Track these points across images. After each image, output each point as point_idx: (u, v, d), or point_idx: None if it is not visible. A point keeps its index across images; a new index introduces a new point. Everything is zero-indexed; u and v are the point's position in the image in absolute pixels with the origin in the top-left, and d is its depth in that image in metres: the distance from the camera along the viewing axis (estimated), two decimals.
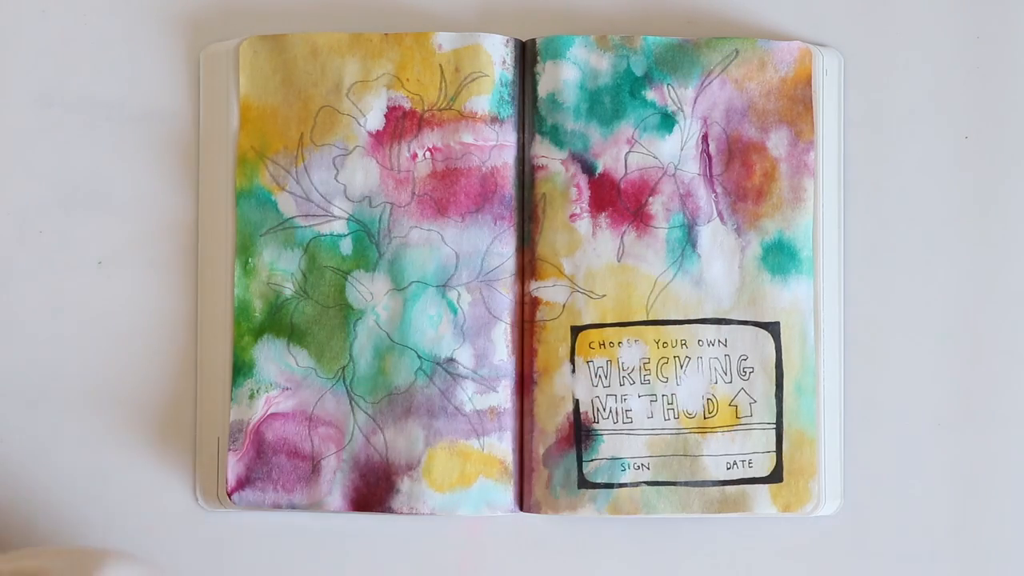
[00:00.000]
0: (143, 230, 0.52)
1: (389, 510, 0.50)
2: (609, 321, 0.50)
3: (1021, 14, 0.53)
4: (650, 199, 0.50)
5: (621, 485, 0.50)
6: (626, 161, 0.50)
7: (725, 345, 0.50)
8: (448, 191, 0.50)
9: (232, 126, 0.51)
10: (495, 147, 0.50)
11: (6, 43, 0.53)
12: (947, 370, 0.52)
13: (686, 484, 0.50)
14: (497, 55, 0.50)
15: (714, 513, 0.50)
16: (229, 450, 0.50)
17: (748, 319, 0.50)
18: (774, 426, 0.50)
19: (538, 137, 0.51)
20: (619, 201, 0.50)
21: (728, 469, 0.50)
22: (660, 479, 0.50)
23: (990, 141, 0.52)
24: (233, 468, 0.50)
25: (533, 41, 0.51)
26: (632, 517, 0.50)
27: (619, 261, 0.50)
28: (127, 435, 0.52)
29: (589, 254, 0.50)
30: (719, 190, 0.50)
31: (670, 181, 0.50)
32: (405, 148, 0.50)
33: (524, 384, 0.51)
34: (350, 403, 0.50)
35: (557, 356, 0.50)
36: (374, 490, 0.50)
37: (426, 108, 0.50)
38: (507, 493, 0.50)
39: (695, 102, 0.50)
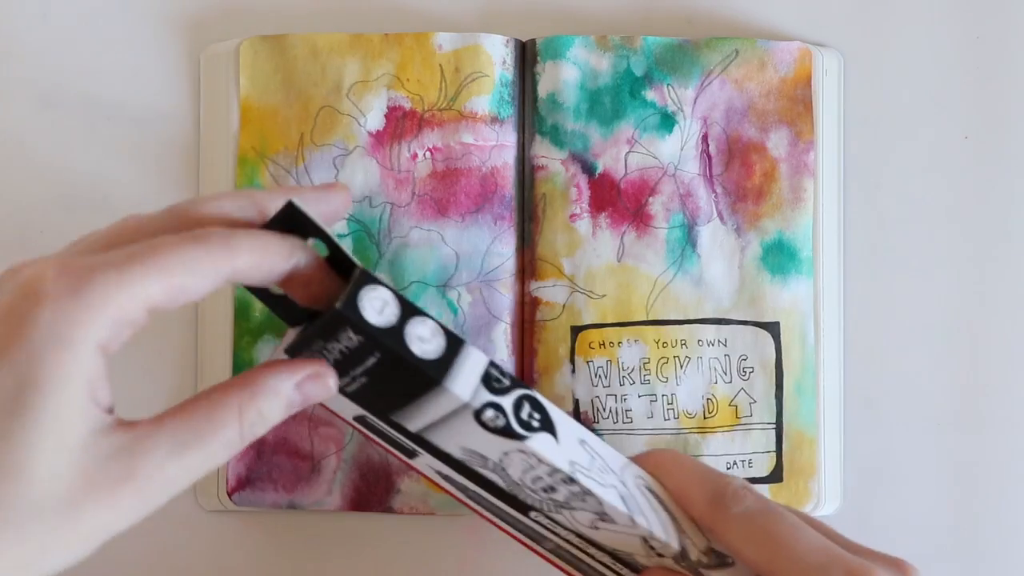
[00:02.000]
0: None
1: (389, 510, 0.50)
2: (609, 321, 0.50)
3: (1021, 14, 0.53)
4: (650, 199, 0.50)
5: None
6: (626, 161, 0.50)
7: (725, 345, 0.50)
8: (448, 191, 0.50)
9: (232, 126, 0.51)
10: (495, 147, 0.50)
11: (7, 44, 0.53)
12: (947, 370, 0.52)
13: None
14: (497, 55, 0.50)
15: None
16: None
17: (748, 319, 0.50)
18: (774, 426, 0.50)
19: (538, 137, 0.51)
20: (619, 201, 0.50)
21: (728, 469, 0.50)
22: None
23: (990, 141, 0.52)
24: (233, 468, 0.50)
25: (533, 41, 0.51)
26: None
27: (619, 261, 0.50)
28: None
29: (589, 254, 0.50)
30: (719, 190, 0.50)
31: (670, 181, 0.50)
32: (405, 148, 0.50)
33: None
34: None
35: (557, 356, 0.50)
36: (374, 490, 0.50)
37: (426, 108, 0.50)
38: None
39: (695, 102, 0.50)
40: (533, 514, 0.40)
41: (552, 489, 0.38)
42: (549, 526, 0.40)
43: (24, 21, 0.53)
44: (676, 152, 0.50)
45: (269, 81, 0.50)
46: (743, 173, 0.50)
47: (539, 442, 0.37)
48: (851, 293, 0.52)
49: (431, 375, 0.35)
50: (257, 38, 0.51)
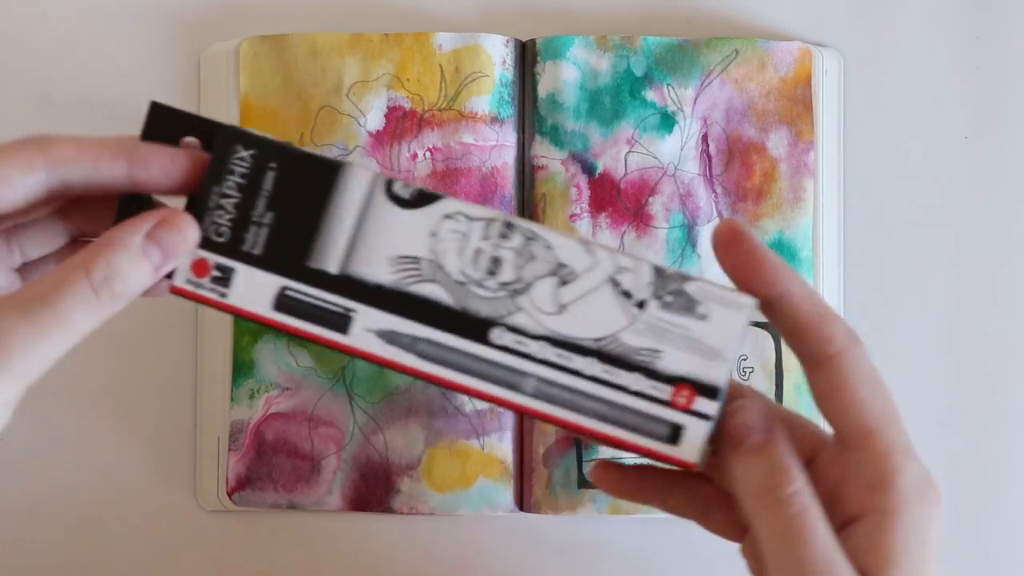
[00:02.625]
0: None
1: (389, 510, 0.50)
2: None
3: (1021, 14, 0.53)
4: (650, 199, 0.50)
5: None
6: (626, 161, 0.50)
7: None
8: (448, 191, 0.50)
9: None
10: (495, 147, 0.50)
11: (7, 44, 0.53)
12: (947, 370, 0.52)
13: None
14: (497, 55, 0.50)
15: None
16: (229, 450, 0.50)
17: None
18: None
19: (538, 137, 0.51)
20: (619, 201, 0.50)
21: None
22: None
23: (990, 141, 0.52)
24: (233, 468, 0.50)
25: (533, 41, 0.51)
26: (632, 517, 0.50)
27: None
28: (127, 435, 0.52)
29: None
30: (719, 190, 0.50)
31: (670, 181, 0.50)
32: (405, 148, 0.50)
33: None
34: (350, 403, 0.50)
35: None
36: (374, 490, 0.50)
37: (426, 108, 0.50)
38: (507, 493, 0.50)
39: (695, 102, 0.50)
40: (495, 335, 0.38)
41: (497, 264, 0.37)
42: (519, 347, 0.38)
43: (24, 21, 0.53)
44: (676, 152, 0.50)
45: (269, 81, 0.50)
46: (743, 173, 0.50)
47: (457, 200, 0.37)
48: (851, 293, 0.52)
49: (334, 161, 0.36)
50: (257, 38, 0.51)
